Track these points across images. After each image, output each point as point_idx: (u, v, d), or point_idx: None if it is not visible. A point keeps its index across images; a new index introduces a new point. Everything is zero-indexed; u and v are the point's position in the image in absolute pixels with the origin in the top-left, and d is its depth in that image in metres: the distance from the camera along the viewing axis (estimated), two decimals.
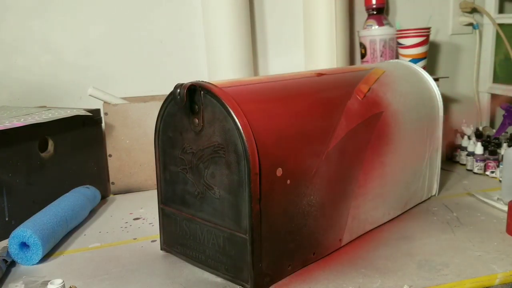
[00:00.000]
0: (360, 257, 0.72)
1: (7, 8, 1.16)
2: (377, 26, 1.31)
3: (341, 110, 0.73)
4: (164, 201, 0.75)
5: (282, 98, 0.68)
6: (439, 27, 1.49)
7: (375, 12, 1.34)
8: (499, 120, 1.54)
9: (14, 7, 1.16)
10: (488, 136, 1.24)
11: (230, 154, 0.61)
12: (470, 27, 1.52)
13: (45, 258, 0.75)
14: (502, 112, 1.21)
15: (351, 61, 1.40)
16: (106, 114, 1.06)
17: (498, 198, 0.93)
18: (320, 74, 0.79)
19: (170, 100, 0.69)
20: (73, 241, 0.83)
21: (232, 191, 0.62)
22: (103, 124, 1.06)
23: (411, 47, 1.23)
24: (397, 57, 1.29)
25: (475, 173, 1.12)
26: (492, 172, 1.09)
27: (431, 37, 1.33)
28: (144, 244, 0.81)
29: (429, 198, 0.97)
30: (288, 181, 0.64)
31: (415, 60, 1.22)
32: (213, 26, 1.22)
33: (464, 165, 1.18)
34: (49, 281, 0.62)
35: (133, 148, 1.08)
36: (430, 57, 1.44)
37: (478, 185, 1.04)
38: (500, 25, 1.40)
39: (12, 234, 0.73)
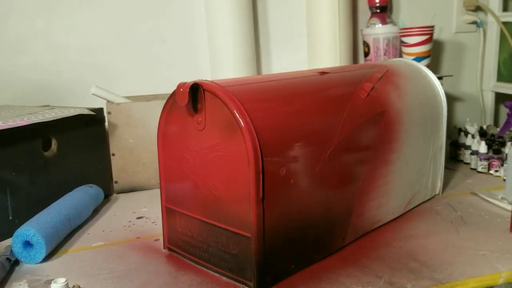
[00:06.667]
0: (364, 256, 0.72)
1: (11, 8, 1.16)
2: (380, 25, 1.31)
3: (345, 109, 0.73)
4: (167, 200, 0.75)
5: (285, 97, 0.68)
6: (443, 25, 1.48)
7: (378, 11, 1.33)
8: (503, 119, 1.53)
9: (18, 7, 1.16)
10: (492, 135, 1.23)
11: (233, 153, 0.61)
12: (474, 25, 1.51)
13: (48, 257, 0.76)
14: (506, 110, 1.21)
15: (355, 59, 1.40)
16: (109, 113, 1.06)
17: (502, 197, 0.92)
18: (323, 73, 0.78)
19: (173, 99, 0.69)
20: (77, 240, 0.83)
21: (235, 190, 0.62)
22: (106, 123, 1.06)
23: (415, 45, 1.22)
24: (400, 56, 1.29)
25: (479, 172, 1.12)
26: (496, 171, 1.09)
27: (435, 36, 1.32)
28: (148, 243, 0.81)
29: (432, 197, 0.97)
30: (292, 180, 0.64)
31: (418, 59, 1.22)
32: (216, 25, 1.22)
33: (468, 164, 1.17)
34: (52, 279, 0.62)
35: (136, 147, 1.08)
36: (434, 56, 1.43)
37: (482, 184, 1.04)
38: (504, 23, 1.40)
39: (15, 233, 0.73)
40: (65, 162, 0.96)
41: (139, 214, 0.95)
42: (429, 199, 0.95)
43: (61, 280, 0.61)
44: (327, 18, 1.26)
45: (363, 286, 0.63)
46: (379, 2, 1.32)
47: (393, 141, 0.82)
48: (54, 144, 0.94)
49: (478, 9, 1.49)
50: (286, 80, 0.72)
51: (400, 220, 0.86)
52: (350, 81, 0.79)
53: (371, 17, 1.34)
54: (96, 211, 0.96)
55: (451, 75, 1.45)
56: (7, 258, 0.71)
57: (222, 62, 1.23)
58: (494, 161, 1.09)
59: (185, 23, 1.28)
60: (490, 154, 1.11)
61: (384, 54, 1.29)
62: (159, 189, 0.76)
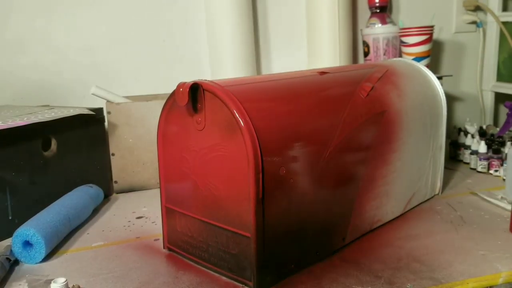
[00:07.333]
0: (364, 256, 0.72)
1: (11, 8, 1.16)
2: (380, 25, 1.31)
3: (344, 109, 0.73)
4: (167, 200, 0.75)
5: (285, 96, 0.68)
6: (443, 25, 1.48)
7: (378, 10, 1.34)
8: (502, 119, 1.53)
9: (18, 7, 1.16)
10: (492, 135, 1.23)
11: (233, 153, 0.61)
12: (474, 25, 1.51)
13: (48, 256, 0.76)
14: (506, 110, 1.21)
15: (354, 59, 1.40)
16: (109, 113, 1.06)
17: (502, 197, 0.92)
18: (323, 73, 0.78)
19: (173, 99, 0.69)
20: (76, 239, 0.83)
21: (235, 190, 0.62)
22: (106, 123, 1.06)
23: (415, 45, 1.22)
24: (400, 56, 1.29)
25: (478, 171, 1.12)
26: (496, 170, 1.09)
27: (435, 35, 1.32)
28: (147, 242, 0.81)
29: (432, 197, 0.97)
30: (292, 180, 0.64)
31: (418, 59, 1.22)
32: (216, 25, 1.22)
33: (468, 163, 1.17)
34: (52, 279, 0.62)
35: (136, 147, 1.08)
36: (434, 56, 1.43)
37: (481, 183, 1.04)
38: (504, 23, 1.40)
39: (15, 233, 0.73)
40: (65, 162, 0.96)
41: (139, 214, 0.95)
42: (429, 199, 0.95)
43: (61, 280, 0.61)
44: (327, 18, 1.26)
45: (363, 286, 0.63)
46: (379, 2, 1.32)
47: (393, 141, 0.82)
48: (54, 144, 0.94)
49: (477, 9, 1.49)
50: (286, 80, 0.72)
51: (400, 220, 0.86)
52: (350, 81, 0.79)
53: (371, 17, 1.34)
54: (96, 211, 0.96)
55: (451, 75, 1.45)
56: (7, 258, 0.71)
57: (222, 62, 1.23)
58: (493, 161, 1.09)
59: (185, 23, 1.28)
60: (490, 154, 1.11)
61: (384, 54, 1.29)
62: (159, 189, 0.76)
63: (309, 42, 1.33)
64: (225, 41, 1.21)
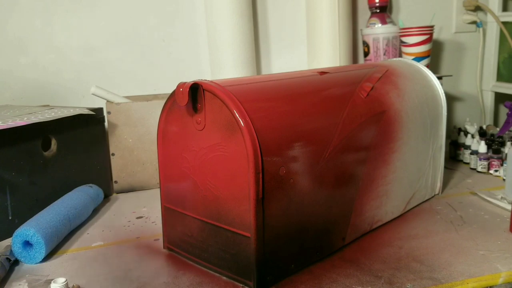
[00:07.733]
0: (364, 256, 0.72)
1: (11, 8, 1.16)
2: (380, 25, 1.31)
3: (344, 109, 0.73)
4: (167, 200, 0.75)
5: (285, 96, 0.68)
6: (443, 25, 1.48)
7: (378, 10, 1.34)
8: (502, 119, 1.53)
9: (18, 7, 1.16)
10: (492, 135, 1.23)
11: (233, 153, 0.61)
12: (474, 25, 1.51)
13: (48, 256, 0.76)
14: (506, 110, 1.21)
15: (354, 59, 1.40)
16: (109, 113, 1.06)
17: (502, 197, 0.92)
18: (323, 73, 0.78)
19: (173, 99, 0.69)
20: (76, 239, 0.83)
21: (235, 190, 0.62)
22: (106, 123, 1.06)
23: (415, 45, 1.22)
24: (400, 56, 1.29)
25: (478, 171, 1.12)
26: (496, 170, 1.09)
27: (435, 35, 1.32)
28: (147, 242, 0.81)
29: (432, 197, 0.97)
30: (291, 180, 0.64)
31: (418, 59, 1.22)
32: (216, 25, 1.22)
33: (468, 163, 1.17)
34: (52, 279, 0.62)
35: (136, 147, 1.08)
36: (434, 55, 1.43)
37: (481, 183, 1.04)
38: (504, 23, 1.40)
39: (15, 233, 0.73)
40: (65, 162, 0.96)
41: (139, 214, 0.95)
42: (428, 199, 0.95)
43: (61, 280, 0.61)
44: (327, 18, 1.26)
45: (363, 286, 0.63)
46: (378, 2, 1.32)
47: (393, 141, 0.82)
48: (53, 144, 0.94)
49: (477, 9, 1.49)
50: (286, 80, 0.72)
51: (400, 220, 0.86)
52: (350, 81, 0.80)
53: (371, 17, 1.34)
54: (96, 211, 0.96)
55: (451, 75, 1.45)
56: (7, 258, 0.71)
57: (222, 62, 1.23)
58: (493, 161, 1.09)
59: (185, 23, 1.28)
60: (490, 154, 1.11)
61: (384, 54, 1.29)
62: (158, 189, 0.76)
63: (309, 42, 1.33)
64: (225, 41, 1.21)
